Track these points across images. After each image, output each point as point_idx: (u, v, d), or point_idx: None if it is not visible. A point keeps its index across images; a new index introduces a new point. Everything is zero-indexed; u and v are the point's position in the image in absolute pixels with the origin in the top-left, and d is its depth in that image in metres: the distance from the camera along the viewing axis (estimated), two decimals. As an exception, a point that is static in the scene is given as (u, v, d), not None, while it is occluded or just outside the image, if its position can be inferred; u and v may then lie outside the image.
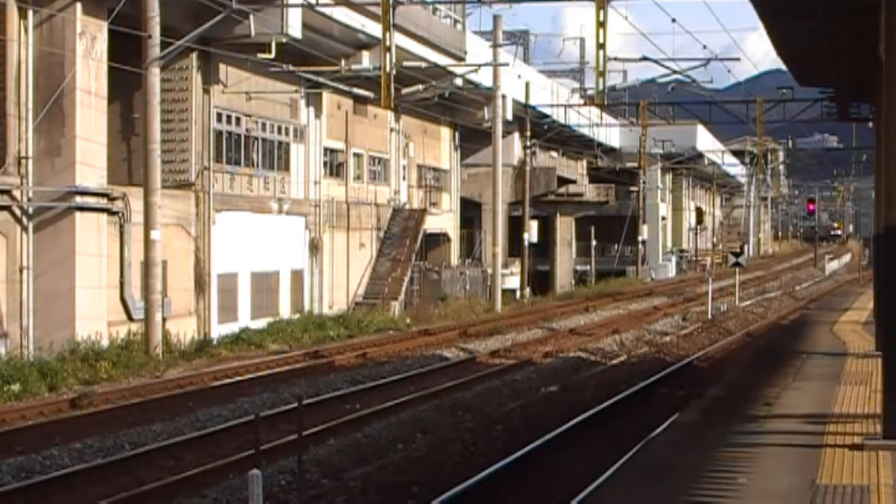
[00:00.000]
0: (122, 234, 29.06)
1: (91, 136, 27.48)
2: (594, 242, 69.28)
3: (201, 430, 17.60)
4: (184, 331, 30.64)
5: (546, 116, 57.09)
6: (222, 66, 33.79)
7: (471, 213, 58.28)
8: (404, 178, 48.08)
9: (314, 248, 39.91)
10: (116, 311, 28.77)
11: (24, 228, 26.72)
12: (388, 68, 27.93)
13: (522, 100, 50.38)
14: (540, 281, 63.52)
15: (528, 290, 51.24)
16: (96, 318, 27.37)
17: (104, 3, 27.59)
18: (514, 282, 52.75)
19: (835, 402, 16.19)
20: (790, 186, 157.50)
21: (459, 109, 49.44)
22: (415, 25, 39.64)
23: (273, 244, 37.15)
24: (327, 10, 33.60)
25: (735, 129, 78.54)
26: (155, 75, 27.25)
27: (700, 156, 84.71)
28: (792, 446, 12.85)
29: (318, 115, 40.16)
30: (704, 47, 46.08)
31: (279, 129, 37.98)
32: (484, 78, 44.71)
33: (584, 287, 62.24)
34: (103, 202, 28.15)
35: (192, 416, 18.90)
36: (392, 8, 27.71)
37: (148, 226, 27.23)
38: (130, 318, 28.90)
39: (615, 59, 45.19)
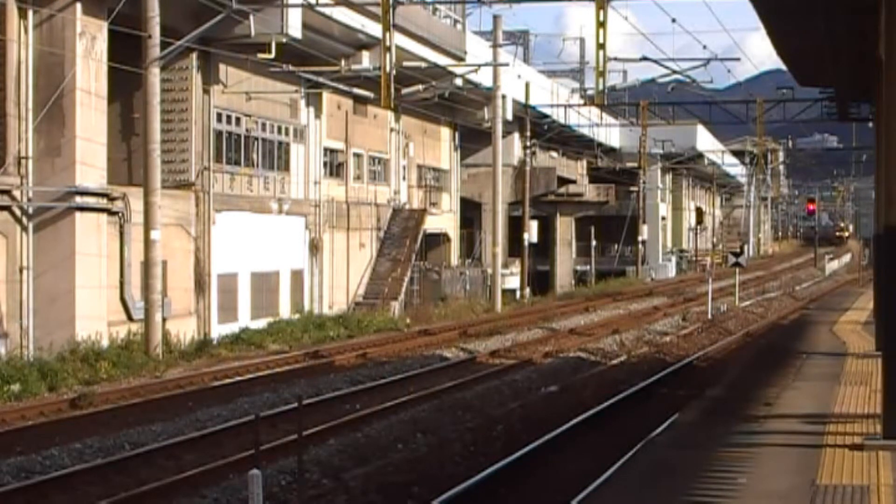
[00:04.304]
0: (122, 234, 29.05)
1: (91, 136, 27.47)
2: (594, 242, 69.28)
3: (201, 430, 17.60)
4: (184, 331, 30.63)
5: (546, 116, 57.08)
6: (222, 66, 33.79)
7: (471, 213, 58.25)
8: (404, 179, 48.07)
9: (314, 248, 39.90)
10: (116, 311, 28.76)
11: (24, 228, 26.71)
12: (388, 68, 27.94)
13: (522, 100, 50.35)
14: (540, 281, 63.53)
15: (528, 290, 51.25)
16: (96, 318, 27.36)
17: (104, 3, 27.58)
18: (514, 282, 52.72)
19: (835, 402, 16.20)
20: (790, 186, 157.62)
21: (459, 109, 49.42)
22: (415, 25, 39.63)
23: (273, 244, 37.14)
24: (327, 10, 33.60)
25: (735, 129, 78.46)
26: (155, 75, 27.25)
27: (700, 156, 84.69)
28: (792, 446, 12.86)
29: (318, 115, 40.15)
30: (705, 47, 45.98)
31: (279, 129, 37.97)
32: (484, 78, 44.70)
33: (584, 287, 62.24)
34: (103, 202, 28.13)
35: (192, 416, 18.90)
36: (392, 8, 27.72)
37: (148, 226, 27.23)
38: (130, 318, 28.89)
39: (615, 59, 45.13)
